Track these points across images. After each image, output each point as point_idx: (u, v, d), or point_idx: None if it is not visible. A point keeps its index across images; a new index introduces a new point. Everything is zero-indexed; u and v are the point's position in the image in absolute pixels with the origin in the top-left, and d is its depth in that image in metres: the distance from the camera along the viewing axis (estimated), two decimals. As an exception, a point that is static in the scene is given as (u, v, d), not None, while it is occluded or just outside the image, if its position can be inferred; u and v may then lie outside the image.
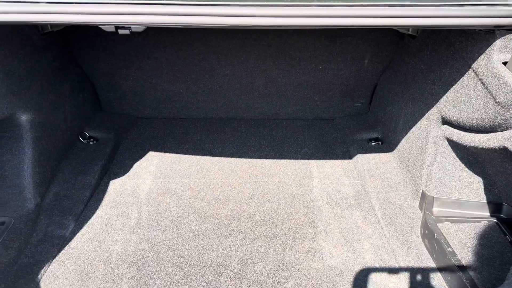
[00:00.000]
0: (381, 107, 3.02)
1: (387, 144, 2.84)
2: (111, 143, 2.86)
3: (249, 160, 2.81)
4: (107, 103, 3.28)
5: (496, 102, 1.63)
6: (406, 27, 2.33)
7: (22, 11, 1.48)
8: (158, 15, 1.44)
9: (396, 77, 2.76)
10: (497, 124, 1.66)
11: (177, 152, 2.88)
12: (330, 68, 2.99)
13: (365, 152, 2.77)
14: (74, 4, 1.45)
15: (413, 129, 2.39)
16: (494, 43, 1.67)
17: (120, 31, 1.54)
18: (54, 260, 1.97)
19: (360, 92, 3.19)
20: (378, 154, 2.74)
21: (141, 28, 1.55)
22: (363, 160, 2.70)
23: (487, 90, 1.69)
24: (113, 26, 1.52)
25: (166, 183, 2.55)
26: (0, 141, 2.20)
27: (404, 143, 2.54)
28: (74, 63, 2.94)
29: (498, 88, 1.62)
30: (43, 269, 1.90)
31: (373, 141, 2.91)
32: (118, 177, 2.60)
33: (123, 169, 2.68)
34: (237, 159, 2.83)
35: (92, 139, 2.87)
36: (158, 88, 3.14)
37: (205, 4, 1.48)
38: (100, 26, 1.51)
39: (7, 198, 2.19)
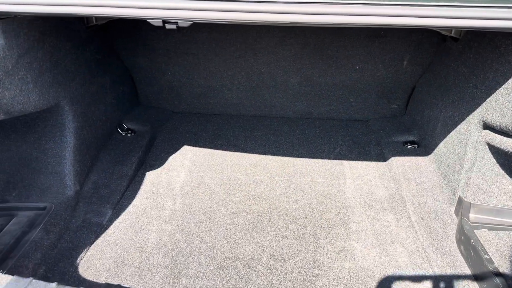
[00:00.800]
0: (418, 110, 2.97)
1: (423, 147, 2.78)
2: (147, 135, 2.93)
3: (282, 158, 2.82)
4: (145, 96, 3.36)
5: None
6: (451, 28, 2.28)
7: (74, 3, 1.53)
8: (205, 11, 1.46)
9: (436, 80, 2.71)
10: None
11: (211, 147, 2.92)
12: (367, 68, 2.95)
13: (400, 155, 2.73)
14: (124, -3, 1.50)
15: (452, 133, 2.34)
16: (543, 47, 1.62)
17: (167, 26, 1.58)
18: (92, 246, 2.04)
19: (397, 94, 3.14)
20: (413, 157, 2.69)
21: (187, 23, 1.58)
22: (398, 162, 2.66)
23: (534, 95, 1.64)
24: (160, 20, 1.55)
25: (199, 177, 2.60)
26: (44, 129, 2.29)
27: (441, 147, 2.48)
28: (115, 56, 3.02)
29: (547, 93, 1.57)
30: (81, 254, 1.97)
31: (409, 144, 2.86)
32: (154, 169, 2.66)
33: (158, 161, 2.74)
34: (270, 156, 2.84)
35: (130, 131, 2.95)
36: (194, 84, 3.19)
37: (250, 0, 1.49)
38: (148, 20, 1.55)
39: (48, 184, 2.27)
